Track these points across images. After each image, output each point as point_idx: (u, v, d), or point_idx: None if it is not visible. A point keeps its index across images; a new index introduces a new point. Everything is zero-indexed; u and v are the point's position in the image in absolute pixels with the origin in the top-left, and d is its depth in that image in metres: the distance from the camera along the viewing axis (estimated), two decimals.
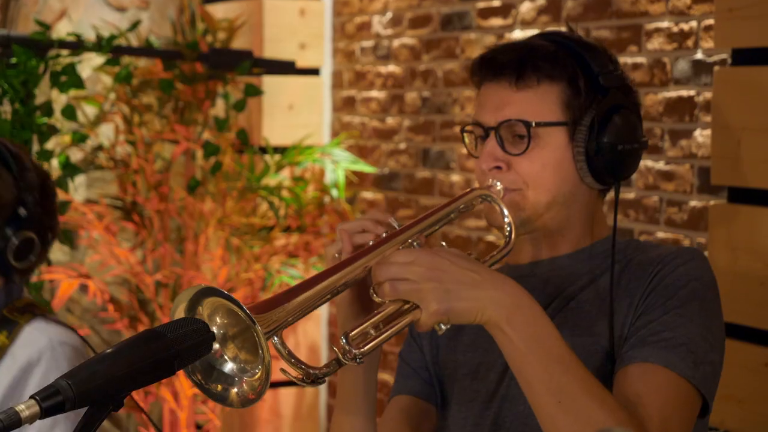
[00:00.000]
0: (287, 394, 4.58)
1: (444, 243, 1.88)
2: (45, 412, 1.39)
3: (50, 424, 2.39)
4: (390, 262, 1.75)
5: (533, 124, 1.97)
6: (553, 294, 2.03)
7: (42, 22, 3.96)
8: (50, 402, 1.39)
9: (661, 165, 3.09)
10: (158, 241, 4.30)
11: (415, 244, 1.85)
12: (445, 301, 1.72)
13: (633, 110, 2.03)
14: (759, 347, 2.65)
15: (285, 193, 4.31)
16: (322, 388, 4.64)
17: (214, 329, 1.57)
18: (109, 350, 1.46)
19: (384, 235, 1.85)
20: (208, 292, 1.56)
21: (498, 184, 1.98)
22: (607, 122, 1.98)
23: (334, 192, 4.36)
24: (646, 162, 3.13)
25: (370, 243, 1.84)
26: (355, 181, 4.43)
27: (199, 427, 4.49)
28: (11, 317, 2.53)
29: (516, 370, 1.77)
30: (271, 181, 4.31)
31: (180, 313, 1.58)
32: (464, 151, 3.87)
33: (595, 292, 2.01)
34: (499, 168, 1.99)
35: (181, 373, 3.88)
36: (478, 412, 2.04)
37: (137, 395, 4.21)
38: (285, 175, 4.38)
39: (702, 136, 2.96)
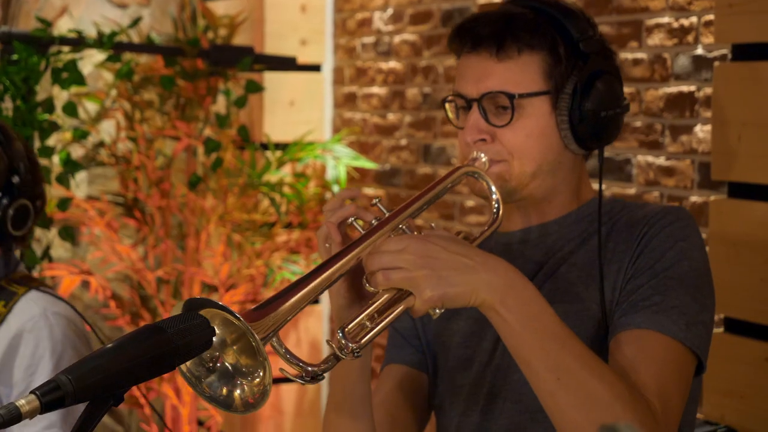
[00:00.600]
0: (288, 390, 4.58)
1: (433, 225, 1.88)
2: (45, 407, 1.39)
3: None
4: (381, 252, 1.75)
5: (516, 96, 1.96)
6: (542, 261, 2.04)
7: (43, 18, 3.96)
8: (50, 397, 1.39)
9: (661, 161, 3.09)
10: (160, 237, 4.30)
11: (404, 228, 1.83)
12: (438, 287, 1.73)
13: (614, 74, 2.02)
14: (759, 342, 2.65)
15: (286, 190, 4.31)
16: (324, 385, 4.64)
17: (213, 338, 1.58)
18: (109, 345, 1.46)
19: (373, 221, 1.84)
20: (201, 303, 1.55)
21: (483, 155, 1.97)
22: (590, 89, 1.98)
23: (336, 188, 4.36)
24: (646, 157, 3.13)
25: (359, 228, 1.83)
26: (357, 177, 4.44)
27: (200, 423, 4.49)
28: (9, 288, 2.55)
29: (513, 349, 1.77)
30: (272, 177, 4.31)
31: None
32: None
33: (584, 256, 2.01)
34: (483, 140, 1.98)
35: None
36: (472, 380, 2.05)
37: (138, 391, 4.22)
38: (286, 172, 4.39)
39: (702, 131, 2.96)
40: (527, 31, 1.97)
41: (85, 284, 4.59)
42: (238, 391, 1.60)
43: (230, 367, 1.60)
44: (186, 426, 4.29)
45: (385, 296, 1.75)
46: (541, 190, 2.02)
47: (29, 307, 2.51)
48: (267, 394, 1.58)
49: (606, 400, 1.73)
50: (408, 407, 2.12)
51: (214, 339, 1.56)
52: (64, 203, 3.99)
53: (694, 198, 2.99)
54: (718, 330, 2.73)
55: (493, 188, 1.96)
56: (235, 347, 1.60)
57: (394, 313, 1.74)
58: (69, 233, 4.03)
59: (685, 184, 3.02)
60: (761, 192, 2.67)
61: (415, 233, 1.82)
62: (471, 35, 2.01)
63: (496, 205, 1.97)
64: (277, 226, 4.30)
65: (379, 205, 1.86)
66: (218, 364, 1.60)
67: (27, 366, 2.49)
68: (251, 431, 4.58)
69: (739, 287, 2.66)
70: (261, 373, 1.58)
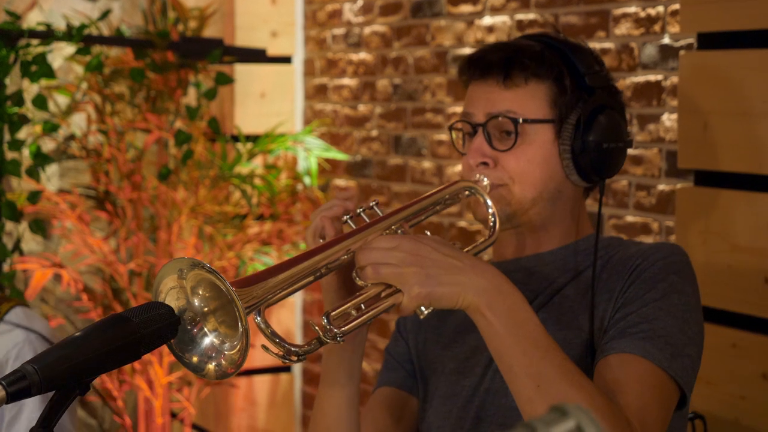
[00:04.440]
0: (262, 381, 4.59)
1: (428, 232, 1.90)
2: (11, 397, 1.39)
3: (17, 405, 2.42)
4: (373, 247, 1.77)
5: (521, 121, 2.00)
6: (536, 289, 2.06)
7: (12, 12, 3.95)
8: (16, 387, 1.40)
9: (629, 149, 3.10)
10: (131, 230, 4.30)
11: (398, 231, 1.86)
12: (426, 285, 1.74)
13: (618, 110, 2.07)
14: (726, 329, 2.68)
15: (257, 181, 4.32)
16: (297, 376, 4.65)
17: (196, 301, 1.59)
18: (75, 335, 1.47)
19: (367, 220, 1.86)
20: (193, 264, 1.57)
21: (485, 179, 2.01)
22: (593, 121, 2.02)
23: (307, 180, 4.37)
24: None
25: (351, 225, 1.86)
26: (328, 168, 4.44)
27: (174, 415, 4.49)
28: None
29: (496, 354, 1.79)
30: (243, 169, 4.31)
31: (166, 284, 1.59)
32: (435, 137, 3.89)
33: (578, 287, 2.04)
34: (485, 164, 2.02)
35: (155, 361, 3.87)
36: (461, 405, 2.06)
37: (111, 383, 4.22)
38: (257, 163, 4.39)
39: (669, 120, 2.98)
40: (534, 60, 2.02)
41: (57, 277, 4.58)
42: (213, 361, 1.61)
43: (210, 335, 1.61)
44: (159, 418, 4.29)
45: (374, 290, 1.77)
46: (540, 218, 2.05)
47: (13, 334, 2.52)
48: (242, 363, 1.59)
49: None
50: (395, 427, 2.15)
51: (196, 304, 1.58)
52: (34, 196, 3.98)
53: (662, 186, 3.01)
54: None
55: (490, 203, 2.00)
56: (218, 314, 1.61)
57: (381, 306, 1.76)
58: (40, 226, 4.02)
59: (652, 173, 3.04)
60: (727, 180, 2.69)
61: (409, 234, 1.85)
62: (480, 63, 2.06)
63: (492, 219, 2.00)
64: (248, 218, 4.31)
65: (375, 208, 1.89)
66: (198, 330, 1.60)
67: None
68: (224, 422, 4.58)
69: (706, 274, 2.68)
70: (239, 343, 1.59)
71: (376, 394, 2.19)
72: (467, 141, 2.08)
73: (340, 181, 4.41)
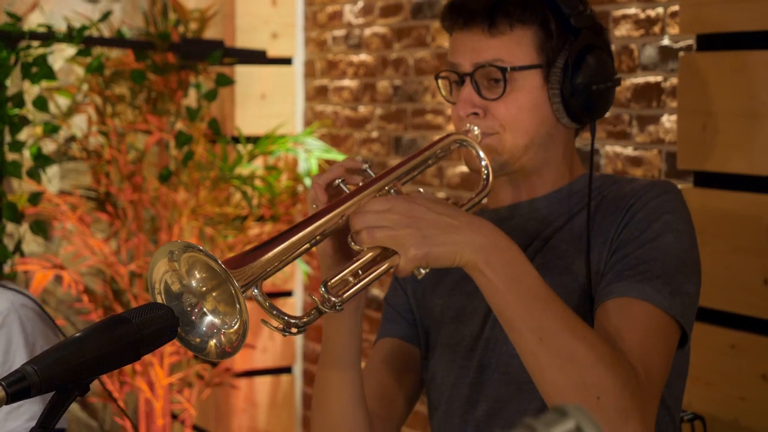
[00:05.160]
0: (262, 382, 4.59)
1: (421, 189, 1.89)
2: (11, 398, 1.40)
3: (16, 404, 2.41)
4: (366, 210, 1.75)
5: (509, 69, 1.98)
6: (532, 236, 2.06)
7: (13, 13, 3.96)
8: (16, 387, 1.40)
9: (629, 151, 3.11)
10: (132, 231, 4.30)
11: (392, 191, 1.84)
12: (423, 245, 1.73)
13: (604, 49, 2.05)
14: (725, 329, 2.68)
15: (258, 183, 4.32)
16: (298, 376, 4.65)
17: (193, 283, 1.59)
18: (74, 336, 1.47)
19: (360, 183, 1.85)
20: (184, 247, 1.57)
21: (475, 129, 1.99)
22: (581, 63, 2.01)
23: (307, 181, 4.37)
24: (614, 148, 3.15)
25: (345, 189, 1.84)
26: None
27: (174, 416, 4.50)
28: None
29: (497, 310, 1.78)
30: (244, 170, 4.32)
31: (158, 270, 1.59)
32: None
33: (572, 231, 2.04)
34: (476, 114, 2.00)
35: (156, 363, 3.87)
36: (463, 354, 2.06)
37: (112, 385, 4.22)
38: (258, 165, 4.39)
39: (669, 121, 2.98)
40: (519, 7, 2.00)
41: (58, 279, 4.58)
42: (214, 340, 1.61)
43: (209, 314, 1.61)
44: (160, 419, 4.29)
45: (370, 254, 1.75)
46: (533, 163, 2.04)
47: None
48: (243, 341, 1.59)
49: (588, 361, 1.73)
50: (398, 379, 2.14)
51: (193, 285, 1.58)
52: (35, 198, 3.99)
53: None
54: None
55: (482, 155, 1.98)
56: (214, 294, 1.61)
57: (379, 270, 1.74)
58: (41, 228, 4.03)
59: (652, 174, 3.04)
60: (726, 181, 2.69)
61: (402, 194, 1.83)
62: (463, 12, 2.03)
63: (485, 172, 1.98)
64: (249, 220, 4.31)
65: (368, 170, 1.87)
66: (197, 311, 1.61)
67: (2, 362, 2.50)
68: (225, 423, 4.59)
69: (705, 275, 2.67)
70: (238, 321, 1.59)
71: (378, 346, 2.18)
72: (455, 90, 2.06)
73: None
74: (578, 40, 2.01)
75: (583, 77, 2.01)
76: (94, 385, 1.60)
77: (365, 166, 1.87)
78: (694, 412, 2.47)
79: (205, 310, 1.61)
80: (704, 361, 2.68)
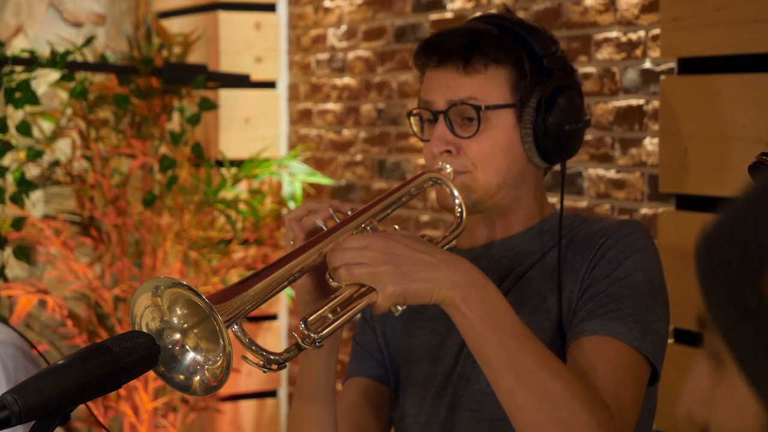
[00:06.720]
0: (247, 406, 4.58)
1: (397, 226, 1.90)
2: None
3: None
4: (344, 248, 1.76)
5: (483, 107, 2.00)
6: (505, 271, 2.07)
7: None
8: None
9: (612, 173, 3.12)
10: (116, 255, 4.30)
11: (368, 228, 1.86)
12: (400, 282, 1.74)
13: (576, 90, 2.07)
14: None
15: (242, 206, 4.32)
16: (283, 400, 4.65)
17: (174, 319, 1.59)
18: (55, 364, 1.47)
19: (334, 216, 1.86)
20: (168, 283, 1.57)
21: (448, 167, 2.01)
22: (553, 103, 2.03)
23: (292, 204, 4.37)
24: (597, 170, 3.16)
25: (322, 226, 1.85)
26: (312, 193, 4.45)
27: None
28: None
29: (473, 347, 1.79)
30: (228, 194, 4.32)
31: (140, 305, 1.59)
32: (420, 162, 3.90)
33: (544, 268, 2.05)
34: (449, 152, 2.02)
35: (140, 387, 3.84)
36: (434, 393, 2.07)
37: (96, 410, 4.21)
38: (242, 188, 4.40)
39: (651, 144, 3.00)
40: (494, 46, 2.02)
41: (42, 303, 4.57)
42: (198, 376, 1.61)
43: (191, 351, 1.61)
44: None
45: (348, 291, 1.76)
46: (506, 202, 2.06)
47: None
48: (227, 377, 1.59)
49: (564, 398, 1.75)
50: (372, 417, 2.14)
51: (175, 322, 1.59)
52: (18, 222, 3.98)
53: (644, 210, 3.02)
54: (669, 341, 2.76)
55: (456, 193, 1.99)
56: (196, 331, 1.61)
57: (357, 307, 1.75)
58: (24, 253, 4.03)
59: (635, 197, 3.05)
60: (708, 204, 2.70)
61: (379, 231, 1.84)
62: (439, 50, 2.05)
63: (459, 209, 2.00)
64: (233, 243, 4.31)
65: (342, 210, 1.89)
66: (178, 348, 1.61)
67: None
68: None
69: (688, 298, 2.69)
70: (222, 357, 1.59)
71: (347, 384, 2.18)
72: (426, 127, 2.07)
73: None
74: (551, 81, 2.04)
75: (556, 117, 2.03)
76: (80, 410, 1.59)
77: (350, 211, 1.89)
78: None
79: (187, 347, 1.61)
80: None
